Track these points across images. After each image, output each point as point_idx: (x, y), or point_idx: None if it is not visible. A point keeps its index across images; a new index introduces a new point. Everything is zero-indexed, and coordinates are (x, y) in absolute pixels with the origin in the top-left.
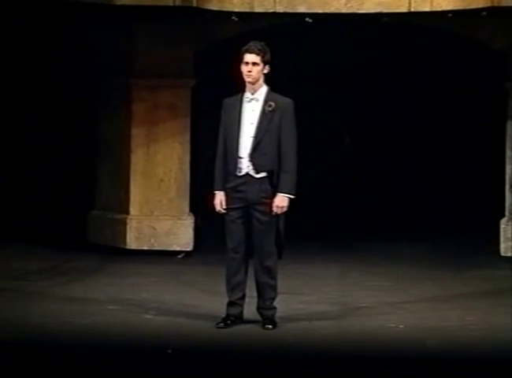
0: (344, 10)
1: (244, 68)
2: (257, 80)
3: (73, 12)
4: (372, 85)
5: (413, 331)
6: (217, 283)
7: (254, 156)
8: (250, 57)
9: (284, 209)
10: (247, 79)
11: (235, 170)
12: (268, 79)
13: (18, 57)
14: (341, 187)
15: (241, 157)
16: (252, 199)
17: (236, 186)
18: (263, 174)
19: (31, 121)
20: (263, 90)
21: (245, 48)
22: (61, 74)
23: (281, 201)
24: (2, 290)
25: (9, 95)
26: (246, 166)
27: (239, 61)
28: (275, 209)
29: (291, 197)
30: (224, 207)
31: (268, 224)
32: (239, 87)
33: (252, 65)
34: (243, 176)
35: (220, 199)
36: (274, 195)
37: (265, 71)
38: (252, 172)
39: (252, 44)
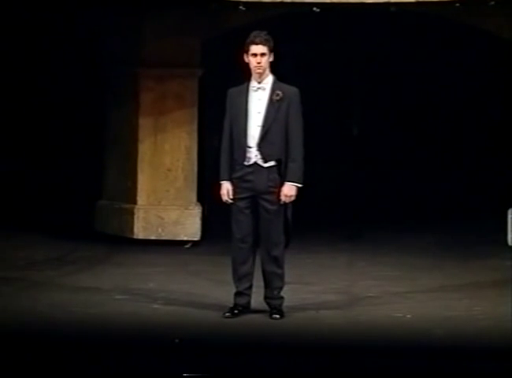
0: (352, 0)
1: (253, 60)
2: (265, 70)
3: (82, 1)
4: (381, 74)
5: (421, 320)
6: (224, 273)
7: (261, 145)
8: (258, 49)
9: (292, 198)
10: (257, 71)
11: (243, 160)
12: (272, 68)
13: (27, 46)
14: (349, 176)
15: (249, 147)
16: (260, 188)
17: (244, 175)
18: (271, 163)
19: (40, 111)
20: (269, 79)
21: (250, 39)
22: (70, 63)
23: (289, 190)
24: (10, 279)
25: (17, 85)
26: (254, 155)
27: (245, 52)
28: (283, 198)
29: (299, 186)
30: (231, 197)
31: (276, 214)
32: (244, 76)
33: (260, 56)
34: (251, 165)
35: (226, 189)
36: (282, 184)
37: (271, 59)
38: (260, 162)
39: (257, 35)
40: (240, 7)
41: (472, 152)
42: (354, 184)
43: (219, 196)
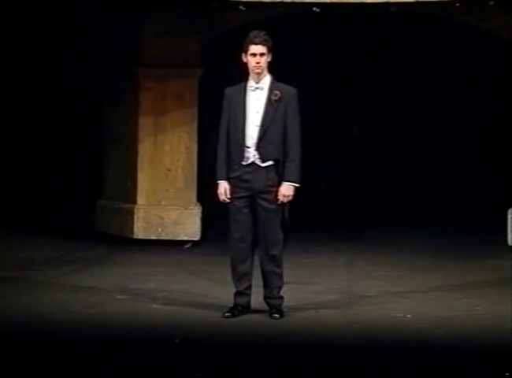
0: (352, 0)
1: (252, 60)
2: (264, 70)
3: (81, 1)
4: (380, 74)
5: (421, 320)
6: (224, 273)
7: (260, 145)
8: (257, 49)
9: (290, 198)
10: (256, 71)
11: (241, 159)
12: (270, 68)
13: (27, 46)
14: (349, 176)
15: (248, 147)
16: (258, 188)
17: (242, 175)
18: (269, 163)
19: (39, 111)
20: (267, 78)
21: (250, 39)
22: (69, 63)
23: (287, 189)
24: (10, 279)
25: (16, 85)
26: (252, 155)
27: (243, 51)
28: (281, 198)
29: (297, 185)
30: (229, 196)
31: (274, 213)
32: (242, 76)
33: (260, 56)
34: (249, 165)
35: (224, 188)
36: (280, 184)
37: (269, 59)
38: (258, 161)
39: (256, 35)
40: (240, 7)
41: (472, 152)
42: (353, 184)
43: (217, 196)
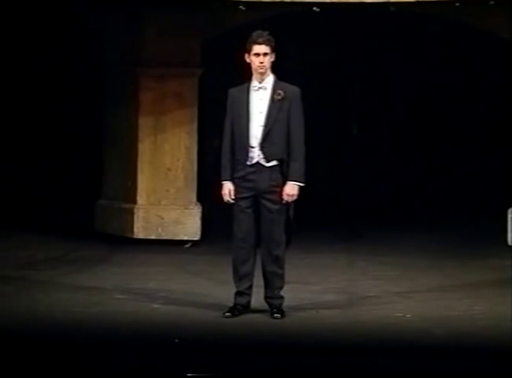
0: (352, 0)
1: (255, 60)
2: (267, 70)
3: (82, 1)
4: (381, 74)
5: (420, 320)
6: (224, 273)
7: (264, 145)
8: (261, 49)
9: (295, 197)
10: (260, 71)
11: (246, 159)
12: (273, 68)
13: (26, 46)
14: (349, 176)
15: (252, 147)
16: (262, 188)
17: (246, 175)
18: (273, 163)
19: (38, 111)
20: (270, 78)
21: (253, 39)
22: (69, 63)
23: (291, 189)
24: (10, 279)
25: (16, 85)
26: (256, 155)
27: (246, 51)
28: (285, 198)
29: (301, 185)
30: (233, 197)
31: (278, 213)
32: (245, 76)
33: (263, 56)
34: (253, 165)
35: (228, 189)
36: (284, 184)
37: (272, 59)
38: (262, 161)
39: (259, 35)
40: (240, 7)
41: (471, 152)
42: (354, 184)
43: (220, 196)
